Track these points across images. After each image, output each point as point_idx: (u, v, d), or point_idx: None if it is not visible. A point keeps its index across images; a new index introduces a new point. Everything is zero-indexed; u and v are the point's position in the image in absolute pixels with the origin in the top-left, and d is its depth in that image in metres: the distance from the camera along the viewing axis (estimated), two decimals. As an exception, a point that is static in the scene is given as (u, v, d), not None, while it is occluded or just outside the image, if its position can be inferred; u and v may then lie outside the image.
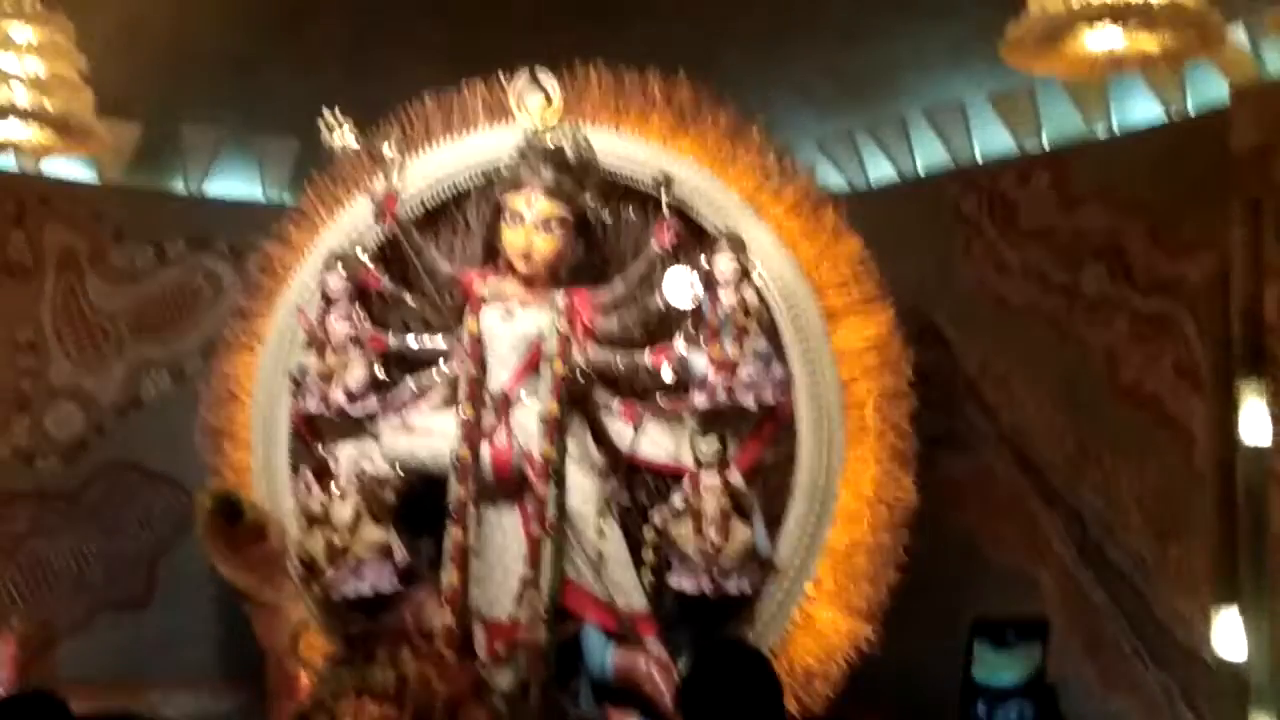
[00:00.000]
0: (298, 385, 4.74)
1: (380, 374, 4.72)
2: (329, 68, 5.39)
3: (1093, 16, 3.74)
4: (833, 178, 5.63)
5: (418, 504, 4.72)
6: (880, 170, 5.77)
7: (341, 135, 4.66)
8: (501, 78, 4.83)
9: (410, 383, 4.73)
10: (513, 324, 4.65)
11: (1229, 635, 4.02)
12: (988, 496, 5.34)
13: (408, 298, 4.79)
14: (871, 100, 5.59)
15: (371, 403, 4.70)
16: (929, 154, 5.62)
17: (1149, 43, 3.88)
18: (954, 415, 5.38)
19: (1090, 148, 5.08)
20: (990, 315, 5.35)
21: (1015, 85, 5.15)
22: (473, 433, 4.56)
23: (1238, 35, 4.44)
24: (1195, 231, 4.65)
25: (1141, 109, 4.95)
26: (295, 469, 4.80)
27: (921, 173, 5.65)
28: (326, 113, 4.64)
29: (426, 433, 4.67)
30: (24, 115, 4.40)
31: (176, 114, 5.64)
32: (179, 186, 5.83)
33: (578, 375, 4.52)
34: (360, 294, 4.77)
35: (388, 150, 4.70)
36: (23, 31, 4.40)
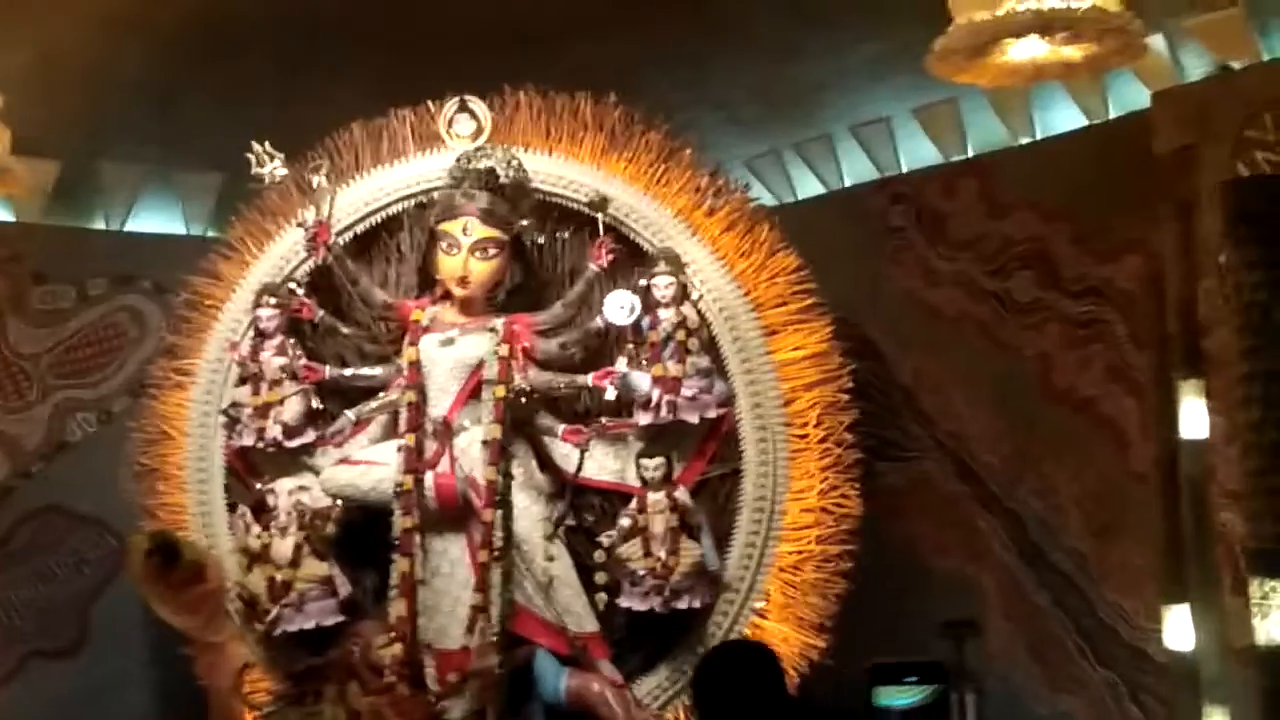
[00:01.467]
0: (232, 421, 4.68)
1: (317, 406, 4.65)
2: (253, 99, 5.29)
3: (1019, 28, 3.76)
4: (761, 195, 5.55)
5: (358, 536, 4.65)
6: (808, 187, 5.81)
7: (273, 165, 4.60)
8: (430, 105, 4.83)
9: (349, 414, 4.66)
10: (452, 350, 4.60)
11: (1179, 630, 4.04)
12: (927, 503, 5.38)
13: (342, 328, 4.74)
14: (797, 118, 5.62)
15: (309, 435, 4.65)
16: (856, 169, 5.67)
17: (1073, 52, 3.91)
18: (890, 425, 5.41)
19: (1015, 156, 5.15)
20: (922, 324, 5.40)
21: (938, 98, 5.18)
22: (415, 461, 4.51)
23: (1156, 43, 4.49)
24: (1122, 235, 4.72)
25: (1063, 117, 5.01)
26: (233, 507, 4.72)
27: (848, 185, 5.70)
28: (257, 146, 4.59)
29: (367, 463, 4.61)
30: (-61, 155, 4.32)
31: (95, 150, 5.54)
32: (100, 224, 5.72)
33: (520, 397, 4.47)
34: (293, 326, 4.71)
35: (318, 181, 4.65)
36: (-64, 72, 4.32)
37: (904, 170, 5.53)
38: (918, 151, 5.44)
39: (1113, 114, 4.89)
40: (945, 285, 5.31)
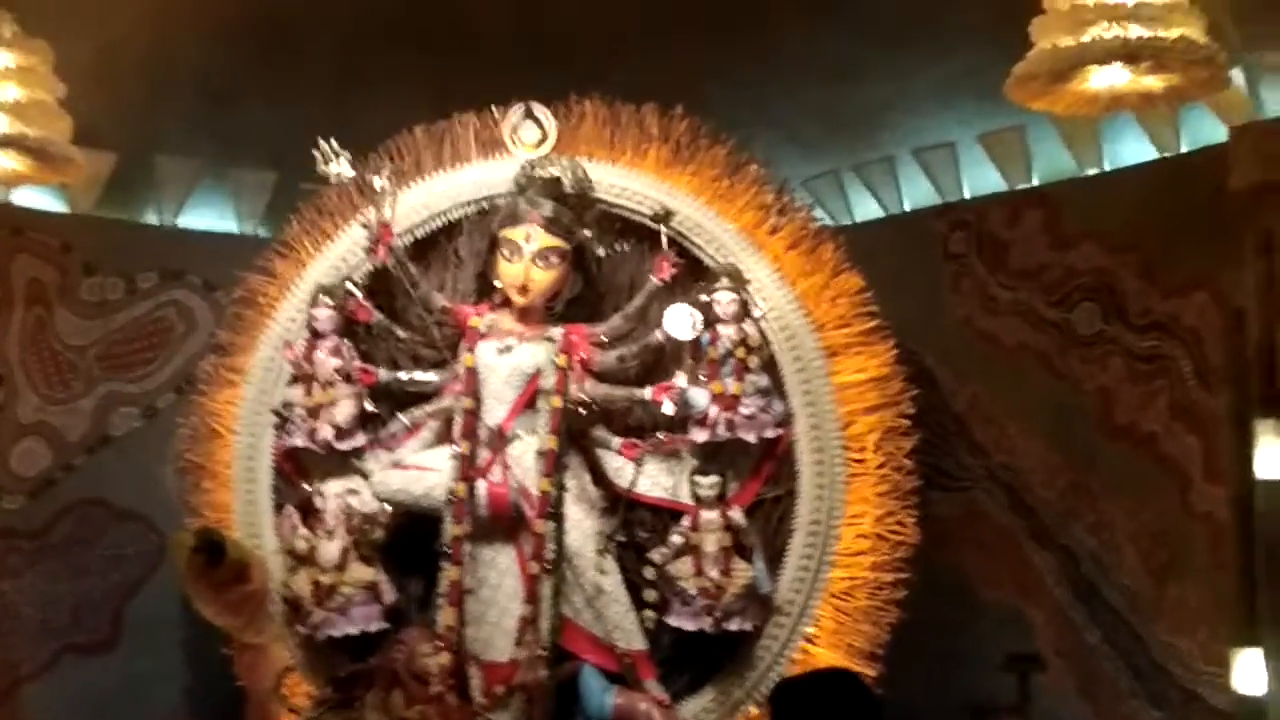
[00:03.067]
0: (283, 421, 4.62)
1: (369, 409, 4.62)
2: (309, 101, 5.30)
3: (1103, 55, 3.71)
4: (819, 217, 5.52)
5: (405, 542, 4.62)
6: (866, 209, 5.75)
7: (338, 164, 4.55)
8: (493, 111, 4.77)
9: (402, 418, 4.64)
10: (509, 358, 4.56)
11: (1250, 673, 3.96)
12: (979, 535, 5.30)
13: (399, 331, 4.70)
14: (859, 140, 5.58)
15: (360, 438, 4.60)
16: (916, 193, 5.60)
17: (1154, 82, 3.86)
18: (943, 453, 5.34)
19: (1082, 186, 5.07)
20: (980, 353, 5.32)
21: (1005, 124, 5.13)
22: (468, 469, 4.47)
23: (1235, 77, 4.42)
24: (1191, 270, 4.65)
25: (1133, 149, 4.95)
26: (279, 507, 4.69)
27: (908, 209, 5.64)
28: (323, 143, 4.53)
29: (419, 469, 4.58)
30: (2, 143, 4.29)
31: (152, 144, 5.51)
32: (152, 218, 5.68)
33: (577, 408, 4.43)
34: (348, 328, 4.67)
35: (381, 182, 4.60)
36: (2, 57, 4.29)
37: (966, 196, 5.47)
38: (981, 178, 5.38)
39: (1184, 148, 4.81)
40: (1005, 314, 5.24)
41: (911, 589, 4.58)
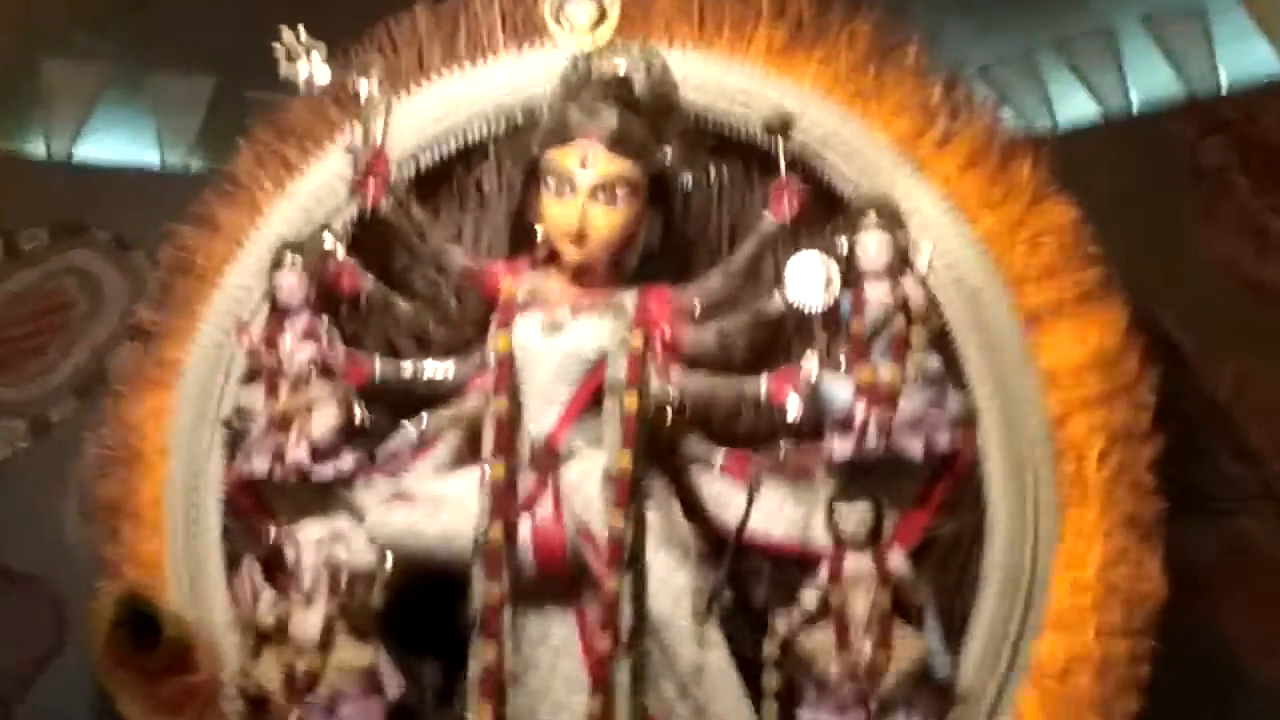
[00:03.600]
0: (236, 436, 4.66)
1: (361, 418, 4.64)
2: None
3: None
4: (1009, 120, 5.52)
5: (416, 609, 4.66)
6: (1074, 108, 5.75)
7: (307, 63, 4.56)
8: None
9: (408, 428, 4.65)
10: (561, 339, 4.54)
11: None
12: (1248, 580, 5.32)
13: (400, 303, 4.72)
14: (1060, 4, 5.60)
15: (348, 460, 4.59)
16: (1150, 83, 5.61)
17: None
18: (1196, 463, 5.32)
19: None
20: (1247, 314, 5.34)
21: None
22: (506, 502, 4.45)
23: None
24: None
25: None
26: (233, 562, 4.73)
27: (1137, 109, 5.62)
28: (288, 33, 4.53)
29: (433, 503, 4.58)
30: None
31: (36, 45, 5.65)
32: (38, 149, 5.82)
33: (661, 410, 4.41)
34: (328, 301, 4.70)
35: (367, 88, 4.62)
36: None
37: (1224, 87, 5.46)
38: (1246, 59, 5.39)
39: None
40: (1283, 256, 5.24)
41: (1157, 663, 4.54)
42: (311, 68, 4.55)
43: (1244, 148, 5.36)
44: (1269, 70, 5.35)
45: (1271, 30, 5.30)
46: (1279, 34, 5.30)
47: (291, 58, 4.54)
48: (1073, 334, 4.56)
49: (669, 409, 4.40)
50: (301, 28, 4.56)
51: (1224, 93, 5.45)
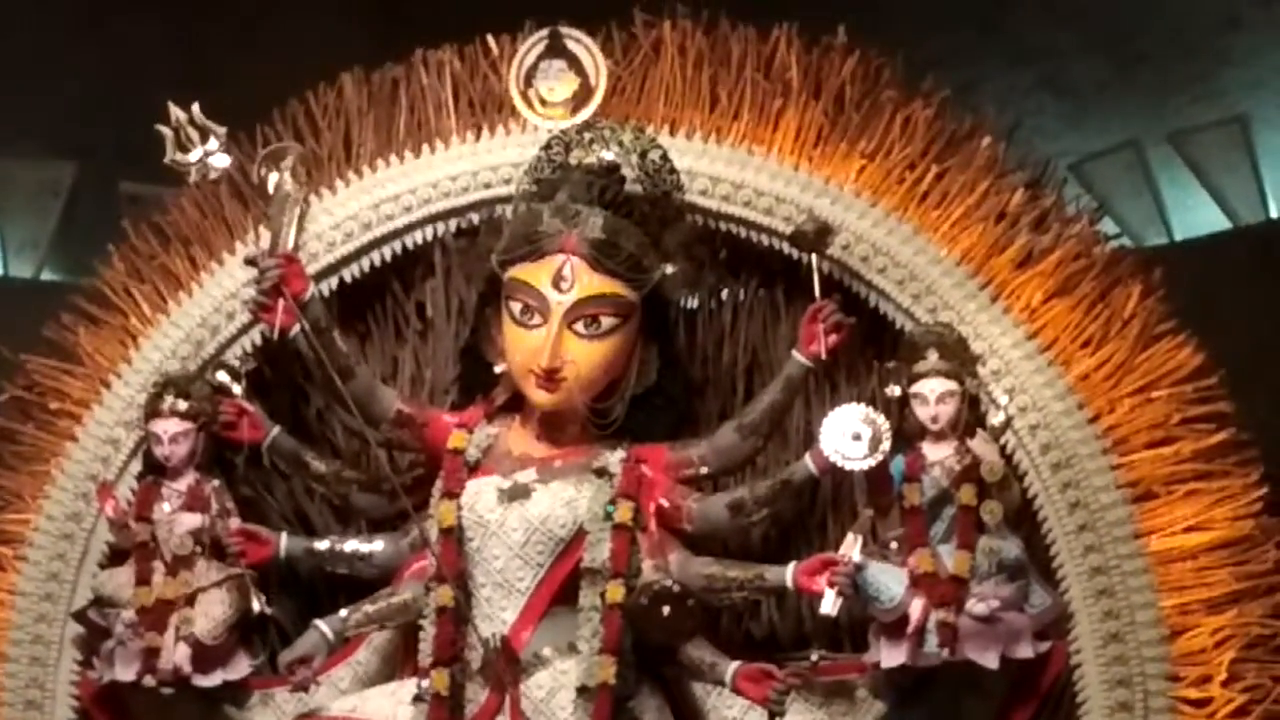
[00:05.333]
0: (96, 632, 4.31)
1: (260, 610, 4.22)
2: (144, 28, 5.15)
3: None
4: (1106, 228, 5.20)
5: None
6: (1197, 214, 5.31)
7: (200, 149, 4.12)
8: (489, 43, 4.52)
9: (321, 626, 4.21)
10: (524, 510, 4.14)
11: None
12: None
13: (313, 463, 4.37)
14: (1180, 86, 5.26)
15: (241, 666, 4.27)
16: None
17: None
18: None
19: None
20: None
21: None
22: (447, 723, 3.94)
23: None
24: None
25: None
26: None
27: (1277, 213, 5.32)
28: (177, 111, 4.12)
29: (353, 726, 4.08)
30: None
31: None
32: None
33: (656, 605, 4.01)
34: (218, 455, 4.38)
35: (277, 179, 4.33)
36: None
37: None
38: None
39: None
40: None
41: None
42: (206, 153, 4.15)
43: None
44: None
45: None
46: None
47: (182, 142, 4.14)
48: (1193, 515, 4.22)
49: (665, 605, 4.01)
50: (195, 105, 4.19)
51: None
